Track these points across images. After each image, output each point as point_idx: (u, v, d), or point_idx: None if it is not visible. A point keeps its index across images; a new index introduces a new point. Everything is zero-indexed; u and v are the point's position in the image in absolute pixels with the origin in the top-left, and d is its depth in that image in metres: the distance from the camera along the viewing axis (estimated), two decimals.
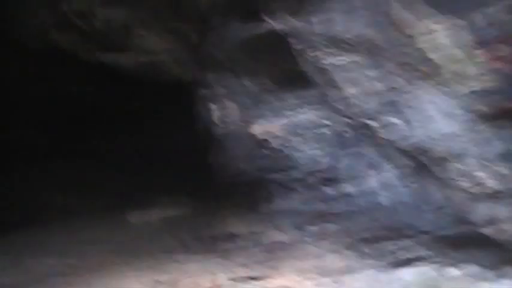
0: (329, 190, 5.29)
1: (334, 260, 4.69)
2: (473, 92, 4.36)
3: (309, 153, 5.23)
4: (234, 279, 4.44)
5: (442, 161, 4.55)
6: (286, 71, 5.19)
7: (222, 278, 4.43)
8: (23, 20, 6.76)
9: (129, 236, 5.63)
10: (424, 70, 4.46)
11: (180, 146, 7.53)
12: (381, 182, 5.10)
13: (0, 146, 7.62)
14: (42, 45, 6.86)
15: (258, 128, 5.26)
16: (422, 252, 4.57)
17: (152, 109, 7.94)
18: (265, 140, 5.24)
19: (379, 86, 4.67)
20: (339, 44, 4.62)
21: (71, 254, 5.17)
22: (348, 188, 5.20)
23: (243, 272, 4.55)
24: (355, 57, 4.62)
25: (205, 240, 5.28)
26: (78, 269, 4.84)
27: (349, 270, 4.49)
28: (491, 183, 4.39)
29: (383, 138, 4.84)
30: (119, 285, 4.44)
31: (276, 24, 4.98)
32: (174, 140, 7.61)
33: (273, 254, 4.90)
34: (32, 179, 7.27)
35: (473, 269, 4.35)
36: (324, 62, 4.77)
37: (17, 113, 7.89)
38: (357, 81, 4.72)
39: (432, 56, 4.40)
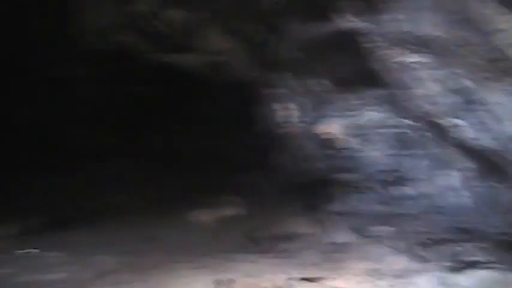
0: (392, 191, 5.26)
1: (392, 263, 4.62)
2: None
3: (372, 153, 5.19)
4: (292, 280, 4.39)
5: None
6: (351, 70, 5.16)
7: (281, 278, 4.37)
8: (85, 21, 6.85)
9: (188, 235, 5.66)
10: (502, 66, 4.35)
11: (238, 146, 7.58)
12: (445, 184, 5.05)
13: (61, 145, 7.78)
14: (105, 46, 6.95)
15: (321, 128, 5.24)
16: (484, 257, 4.47)
17: (211, 109, 8.00)
18: (328, 140, 5.22)
19: (447, 86, 4.61)
20: (409, 43, 4.57)
21: (128, 252, 5.20)
22: (411, 189, 5.17)
23: (301, 273, 4.48)
24: (425, 57, 4.56)
25: (264, 241, 5.25)
26: (134, 266, 4.85)
27: (407, 274, 4.41)
28: None
29: (450, 139, 4.78)
30: (178, 283, 4.44)
31: (343, 23, 4.95)
32: (232, 140, 7.66)
33: (332, 255, 4.85)
34: (93, 179, 7.39)
35: None
36: (393, 61, 4.73)
37: (79, 113, 8.03)
38: (426, 81, 4.67)
39: (510, 52, 4.28)
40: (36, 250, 5.32)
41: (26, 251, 5.31)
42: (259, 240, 5.30)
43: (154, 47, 6.47)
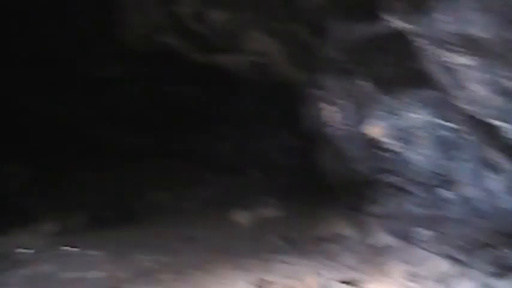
0: (434, 194, 5.14)
1: (433, 267, 4.58)
2: None
3: (423, 154, 5.07)
4: (339, 281, 4.39)
5: None
6: (396, 71, 5.07)
7: (327, 278, 4.38)
8: (129, 22, 6.90)
9: (226, 236, 5.67)
10: None
11: (278, 147, 7.56)
12: (489, 188, 4.91)
13: (103, 145, 7.86)
14: (148, 47, 6.98)
15: (371, 128, 5.15)
16: None
17: (252, 110, 7.99)
18: (378, 141, 5.13)
19: (494, 89, 4.48)
20: (456, 44, 4.45)
21: (167, 252, 5.24)
22: (454, 193, 5.04)
23: (340, 276, 4.49)
24: (473, 59, 4.44)
25: (310, 240, 5.25)
26: (173, 266, 4.88)
27: (448, 278, 4.37)
28: None
29: (496, 142, 4.66)
30: (217, 284, 4.44)
31: (390, 23, 4.85)
32: (272, 141, 7.64)
33: (371, 258, 4.83)
34: (134, 178, 7.43)
35: None
36: (440, 62, 4.61)
37: (121, 113, 8.10)
38: (473, 83, 4.56)
39: None
40: (77, 249, 5.38)
41: (66, 249, 5.38)
42: (297, 242, 5.28)
43: (196, 48, 6.47)
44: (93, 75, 7.75)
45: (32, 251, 5.37)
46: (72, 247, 5.39)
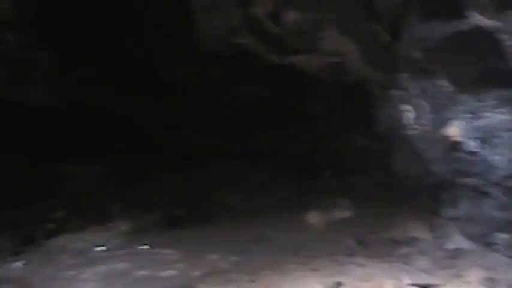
0: None
1: (509, 272, 4.39)
2: None
3: (493, 157, 4.92)
4: (415, 285, 4.26)
5: None
6: (474, 71, 4.93)
7: (404, 282, 4.26)
8: (204, 23, 6.93)
9: (297, 237, 5.61)
10: None
11: (352, 148, 7.48)
12: None
13: (176, 145, 7.94)
14: (224, 48, 7.00)
15: (452, 130, 5.00)
16: None
17: (325, 111, 7.93)
18: (459, 142, 4.98)
19: None
20: None
21: (238, 252, 5.25)
22: None
23: (412, 279, 4.35)
24: None
25: (386, 243, 5.13)
26: (244, 266, 4.87)
27: None
28: None
29: None
30: (288, 285, 4.39)
31: (482, 20, 4.72)
32: (346, 142, 7.57)
33: (458, 261, 4.66)
34: (206, 178, 7.48)
35: None
36: None
37: (194, 113, 8.17)
38: None
39: None
40: (150, 247, 5.45)
41: (139, 247, 5.46)
42: (371, 245, 5.19)
43: (269, 49, 6.44)
44: (168, 76, 7.85)
45: (106, 249, 5.48)
46: (145, 246, 5.47)
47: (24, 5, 6.78)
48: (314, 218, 6.06)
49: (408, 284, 4.27)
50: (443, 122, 5.06)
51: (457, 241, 4.91)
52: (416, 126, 5.26)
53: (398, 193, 5.59)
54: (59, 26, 6.97)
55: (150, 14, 7.56)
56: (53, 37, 6.94)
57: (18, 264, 5.20)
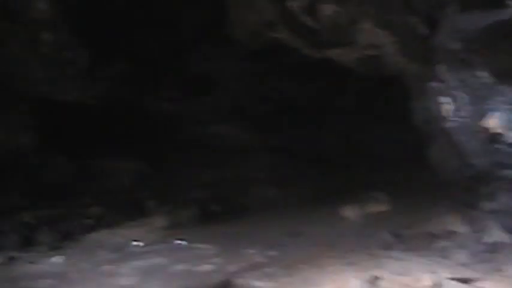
0: None
1: None
2: None
3: None
4: (453, 279, 4.19)
5: None
6: None
7: (442, 276, 4.19)
8: (239, 18, 6.93)
9: (333, 231, 5.59)
10: None
11: (388, 141, 7.42)
12: None
13: (210, 140, 7.99)
14: (259, 43, 6.99)
15: (492, 122, 4.91)
16: None
17: (362, 104, 7.89)
18: (496, 133, 4.89)
19: None
20: None
21: (274, 246, 5.23)
22: None
23: (451, 273, 4.28)
24: None
25: (423, 237, 5.07)
26: (280, 261, 4.84)
27: None
28: None
29: None
30: (326, 280, 4.35)
31: None
32: (383, 135, 7.52)
33: (496, 255, 4.59)
34: (241, 173, 7.53)
35: None
36: None
37: (229, 108, 8.19)
38: None
39: None
40: (186, 242, 5.47)
41: (176, 242, 5.48)
42: (408, 238, 5.13)
43: (305, 43, 6.41)
44: (202, 72, 7.87)
45: (144, 244, 5.52)
46: (182, 241, 5.49)
47: (60, 4, 6.86)
48: (350, 211, 6.03)
49: (447, 278, 4.19)
50: (483, 114, 4.96)
51: (496, 234, 4.82)
52: (455, 118, 5.16)
53: (435, 186, 5.53)
54: (96, 24, 7.04)
55: (187, 10, 7.59)
56: (90, 35, 7.01)
57: (58, 259, 5.26)
